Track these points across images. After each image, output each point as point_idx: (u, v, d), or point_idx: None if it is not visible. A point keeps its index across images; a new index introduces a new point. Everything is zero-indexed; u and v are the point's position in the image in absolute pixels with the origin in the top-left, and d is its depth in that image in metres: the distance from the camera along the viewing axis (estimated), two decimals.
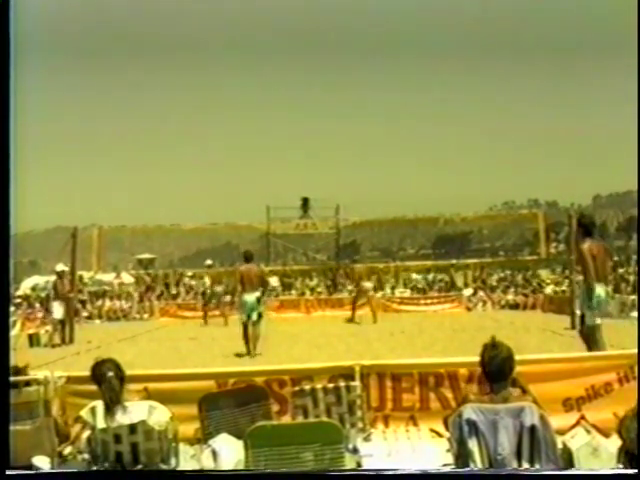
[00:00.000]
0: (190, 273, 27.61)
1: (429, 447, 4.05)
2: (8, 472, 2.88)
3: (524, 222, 45.69)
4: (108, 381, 3.56)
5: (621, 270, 20.62)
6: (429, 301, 23.24)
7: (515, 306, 22.27)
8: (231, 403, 4.50)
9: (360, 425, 4.45)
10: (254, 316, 10.24)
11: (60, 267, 13.68)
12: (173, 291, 25.96)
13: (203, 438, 4.40)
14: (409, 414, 4.96)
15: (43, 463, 3.98)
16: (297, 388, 4.59)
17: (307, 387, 4.53)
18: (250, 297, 10.26)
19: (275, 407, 4.74)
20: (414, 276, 27.14)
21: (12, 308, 18.15)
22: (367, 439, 4.33)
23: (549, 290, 22.47)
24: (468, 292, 23.86)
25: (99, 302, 23.93)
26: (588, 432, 4.05)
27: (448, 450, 3.22)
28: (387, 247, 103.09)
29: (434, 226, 50.73)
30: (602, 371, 4.94)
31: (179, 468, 3.68)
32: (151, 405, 3.56)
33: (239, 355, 9.96)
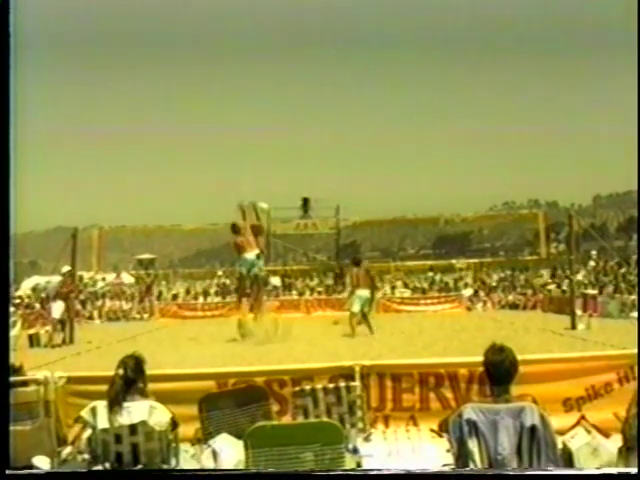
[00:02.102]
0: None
1: (429, 447, 4.05)
2: (8, 472, 2.88)
3: (524, 222, 45.77)
4: (113, 379, 3.56)
5: (621, 270, 20.60)
6: (429, 301, 23.25)
7: (515, 306, 22.29)
8: (231, 403, 4.50)
9: (360, 425, 4.45)
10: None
11: (66, 268, 13.70)
12: (173, 291, 26.02)
13: (203, 438, 4.40)
14: (409, 414, 4.96)
15: (43, 463, 3.98)
16: (297, 388, 4.58)
17: (307, 387, 4.53)
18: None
19: (275, 407, 4.73)
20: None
21: (12, 308, 18.15)
22: (367, 439, 4.33)
23: (549, 290, 22.47)
24: (468, 292, 23.85)
25: (99, 302, 23.95)
26: (588, 432, 4.06)
27: (448, 450, 3.22)
28: (387, 247, 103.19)
29: (434, 226, 50.78)
30: (602, 371, 4.94)
31: (179, 468, 3.68)
32: (151, 405, 3.56)
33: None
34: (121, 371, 3.57)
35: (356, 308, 12.56)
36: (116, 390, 3.52)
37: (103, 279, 27.25)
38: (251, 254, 12.57)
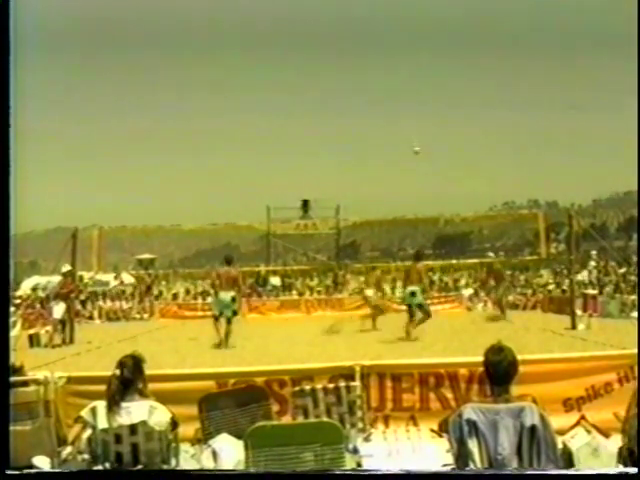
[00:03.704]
0: None
1: (429, 447, 4.05)
2: (8, 472, 2.88)
3: (524, 222, 45.91)
4: (110, 380, 3.56)
5: (621, 270, 20.61)
6: (429, 301, 23.17)
7: (515, 306, 22.27)
8: (231, 403, 4.51)
9: (360, 425, 4.45)
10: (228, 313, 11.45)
11: (66, 267, 13.69)
12: (173, 291, 26.02)
13: (203, 438, 4.40)
14: (409, 414, 4.96)
15: (43, 463, 3.98)
16: (297, 388, 4.59)
17: (307, 387, 4.53)
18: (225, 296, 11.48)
19: (275, 407, 4.74)
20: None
21: (12, 308, 18.12)
22: (367, 439, 4.33)
23: (549, 290, 22.47)
24: (468, 292, 23.85)
25: (99, 302, 23.93)
26: (588, 432, 4.06)
27: (448, 450, 3.22)
28: (387, 247, 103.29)
29: (434, 226, 50.78)
30: (602, 371, 4.94)
31: (179, 468, 3.68)
32: (152, 405, 3.56)
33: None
34: (118, 372, 3.57)
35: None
36: (113, 391, 3.52)
37: (115, 277, 27.35)
38: (227, 295, 11.45)
